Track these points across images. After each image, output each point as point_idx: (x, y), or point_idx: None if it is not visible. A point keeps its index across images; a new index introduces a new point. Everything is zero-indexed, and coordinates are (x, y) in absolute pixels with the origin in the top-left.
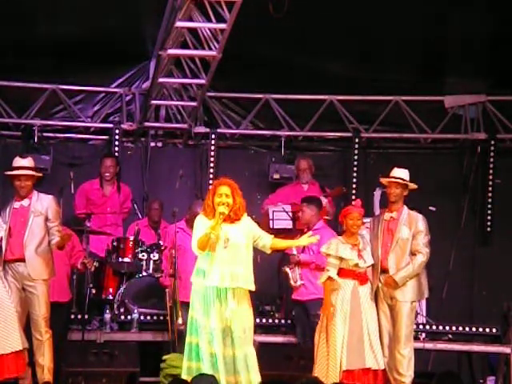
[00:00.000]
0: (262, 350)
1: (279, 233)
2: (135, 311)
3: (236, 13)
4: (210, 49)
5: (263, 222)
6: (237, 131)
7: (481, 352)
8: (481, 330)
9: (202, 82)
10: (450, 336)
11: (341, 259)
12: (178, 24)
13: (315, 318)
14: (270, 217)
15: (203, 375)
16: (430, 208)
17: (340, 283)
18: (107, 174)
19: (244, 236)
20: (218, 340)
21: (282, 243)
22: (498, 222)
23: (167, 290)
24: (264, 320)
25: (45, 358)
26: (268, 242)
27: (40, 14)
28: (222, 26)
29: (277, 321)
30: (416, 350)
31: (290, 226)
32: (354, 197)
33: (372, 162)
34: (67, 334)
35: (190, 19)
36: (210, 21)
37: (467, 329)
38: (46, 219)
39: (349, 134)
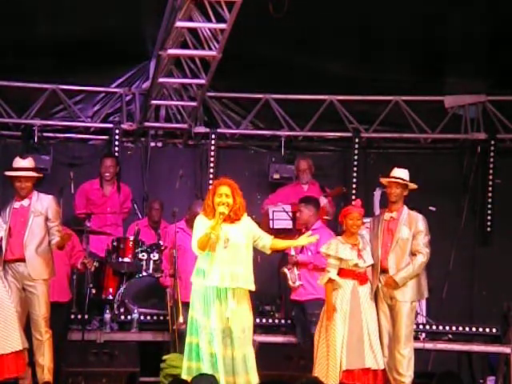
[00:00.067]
0: (261, 349)
1: (279, 233)
2: (135, 311)
3: (236, 13)
4: (210, 49)
5: (263, 221)
6: (237, 131)
7: (481, 352)
8: (481, 330)
9: (202, 82)
10: (450, 336)
11: (340, 260)
12: (178, 24)
13: (312, 317)
14: (270, 217)
15: (203, 375)
16: (430, 208)
17: (340, 283)
18: (107, 174)
19: (244, 236)
20: (218, 340)
21: (281, 243)
22: (498, 222)
23: (168, 289)
24: (264, 320)
25: (45, 358)
26: (268, 242)
27: (40, 14)
28: (222, 26)
29: (277, 321)
30: (416, 350)
31: (290, 226)
32: (353, 197)
33: (372, 162)
34: (67, 334)
35: (190, 19)
36: (210, 21)
37: (467, 329)
38: (46, 219)
39: (349, 134)
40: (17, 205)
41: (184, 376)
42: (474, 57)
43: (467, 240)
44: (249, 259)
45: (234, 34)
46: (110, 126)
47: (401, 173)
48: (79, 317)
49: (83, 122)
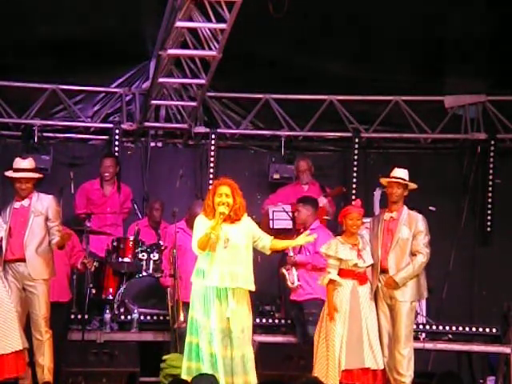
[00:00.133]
0: (261, 349)
1: (279, 233)
2: (135, 311)
3: (236, 13)
4: (210, 49)
5: (263, 222)
6: (237, 131)
7: (481, 352)
8: (481, 330)
9: (202, 82)
10: (450, 336)
11: (340, 260)
12: (178, 24)
13: (309, 317)
14: (270, 217)
15: (204, 375)
16: (430, 208)
17: (341, 283)
18: (106, 174)
19: (244, 236)
20: (218, 340)
21: (280, 244)
22: (498, 222)
23: (169, 289)
24: (264, 320)
25: (45, 358)
26: (267, 243)
27: (40, 14)
28: (222, 26)
29: (277, 321)
30: (416, 350)
31: (290, 226)
32: (353, 197)
33: (372, 162)
34: (67, 334)
35: (190, 19)
36: (210, 21)
37: (467, 329)
38: (47, 219)
39: (349, 134)
40: (17, 205)
41: (184, 376)
42: (474, 57)
43: (467, 240)
44: (249, 259)
45: (234, 33)
46: (110, 126)
47: (401, 173)
48: (79, 317)
49: (83, 122)
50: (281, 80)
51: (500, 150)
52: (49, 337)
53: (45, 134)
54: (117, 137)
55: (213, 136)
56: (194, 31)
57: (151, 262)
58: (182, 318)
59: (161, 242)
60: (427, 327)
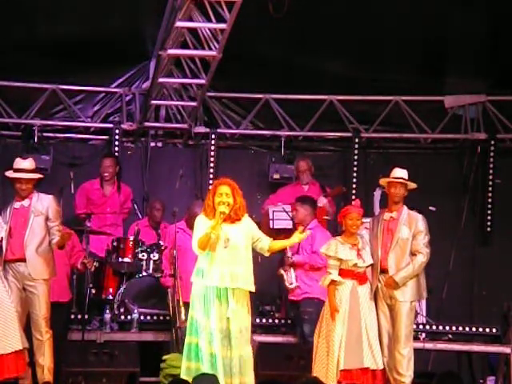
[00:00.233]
0: (261, 349)
1: (279, 233)
2: (135, 311)
3: (236, 13)
4: (210, 49)
5: (263, 222)
6: (237, 131)
7: (481, 352)
8: (481, 330)
9: (202, 82)
10: (450, 336)
11: (340, 260)
12: (178, 24)
13: (304, 315)
14: (270, 217)
15: (205, 375)
16: (430, 208)
17: (342, 282)
18: (106, 174)
19: (244, 236)
20: (218, 340)
21: (277, 244)
22: (498, 222)
23: (169, 289)
24: (264, 320)
25: (45, 358)
26: (266, 244)
27: (40, 14)
28: (222, 26)
29: (277, 321)
30: (416, 350)
31: (290, 226)
32: (353, 197)
33: (372, 162)
34: (67, 334)
35: (190, 19)
36: (210, 21)
37: (467, 329)
38: (47, 219)
39: (349, 134)
40: (17, 205)
41: (183, 376)
42: (474, 57)
43: (467, 240)
44: (249, 260)
45: (234, 33)
46: (110, 126)
47: (402, 173)
48: (79, 317)
49: (83, 122)
50: (281, 80)
51: (500, 149)
52: (49, 337)
53: (45, 134)
54: (117, 137)
55: (213, 136)
56: (194, 31)
57: (151, 262)
58: (183, 316)
59: (161, 242)
60: (427, 327)
